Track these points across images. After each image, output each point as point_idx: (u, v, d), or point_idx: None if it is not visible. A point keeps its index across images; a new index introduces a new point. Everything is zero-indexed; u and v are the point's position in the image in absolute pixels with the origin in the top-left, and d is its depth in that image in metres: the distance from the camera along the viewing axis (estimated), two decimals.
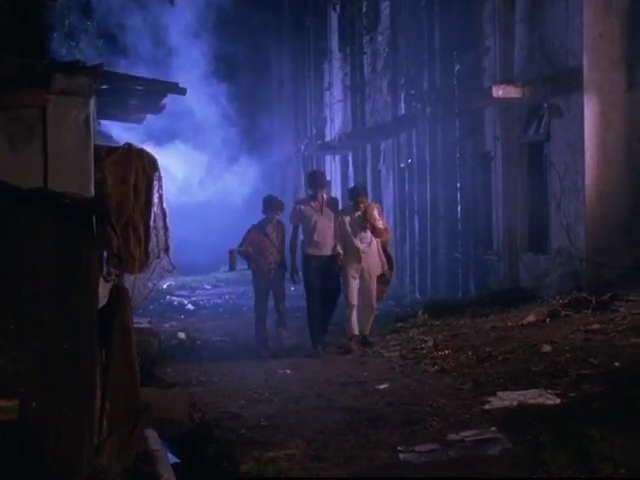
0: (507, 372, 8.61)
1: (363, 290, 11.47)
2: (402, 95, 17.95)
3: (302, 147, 25.52)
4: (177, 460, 6.32)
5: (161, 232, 6.58)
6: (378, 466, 5.96)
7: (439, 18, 16.04)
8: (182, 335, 13.12)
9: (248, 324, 12.34)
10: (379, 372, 9.77)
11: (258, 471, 6.20)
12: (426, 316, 12.90)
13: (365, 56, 20.23)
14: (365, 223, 11.40)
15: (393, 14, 18.32)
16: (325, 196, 11.84)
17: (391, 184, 19.14)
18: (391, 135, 18.64)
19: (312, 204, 11.60)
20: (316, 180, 11.87)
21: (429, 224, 16.68)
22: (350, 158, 21.86)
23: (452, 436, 6.50)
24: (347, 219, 11.49)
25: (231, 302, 18.52)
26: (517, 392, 7.61)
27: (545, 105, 13.13)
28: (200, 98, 21.81)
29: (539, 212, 13.59)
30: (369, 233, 11.44)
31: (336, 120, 23.00)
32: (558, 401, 7.24)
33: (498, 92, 13.14)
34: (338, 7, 20.63)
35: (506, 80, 13.65)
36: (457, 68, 15.23)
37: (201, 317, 16.20)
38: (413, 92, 17.11)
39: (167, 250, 6.66)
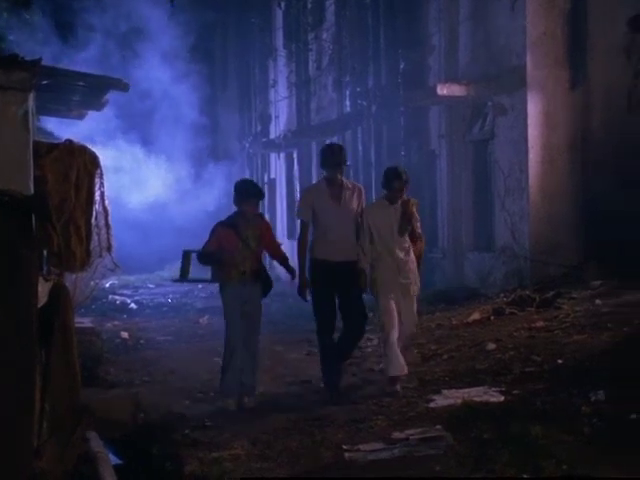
0: (452, 370, 8.64)
1: (403, 315, 8.34)
2: (347, 93, 17.95)
3: (247, 145, 25.41)
4: (119, 461, 6.23)
5: (103, 230, 6.47)
6: (323, 466, 5.93)
7: (384, 16, 16.06)
8: (125, 334, 12.97)
9: (193, 323, 12.24)
10: None
11: (202, 472, 6.14)
12: (371, 314, 12.88)
13: (310, 53, 20.20)
14: (405, 223, 8.24)
15: (338, 11, 18.31)
16: (345, 181, 8.58)
17: None
18: (337, 133, 18.62)
19: (327, 191, 8.40)
20: (332, 156, 8.40)
21: None
22: (295, 156, 21.80)
23: (397, 434, 6.49)
24: (378, 216, 8.29)
25: (175, 301, 18.35)
26: (462, 390, 7.63)
27: (489, 103, 13.22)
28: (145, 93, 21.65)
29: (484, 210, 13.68)
30: (407, 238, 8.34)
31: (281, 117, 22.92)
32: (502, 399, 7.27)
33: (443, 90, 13.20)
34: (283, 4, 20.56)
35: (451, 79, 13.73)
36: (402, 66, 15.28)
37: (145, 316, 16.02)
38: (358, 90, 17.12)
39: (109, 249, 6.55)
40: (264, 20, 23.52)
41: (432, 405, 7.39)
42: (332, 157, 8.39)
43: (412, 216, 8.21)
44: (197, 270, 9.01)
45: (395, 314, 8.21)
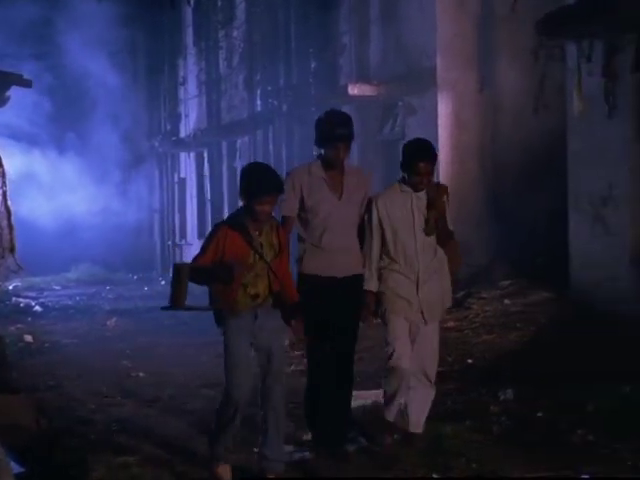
0: (363, 371, 8.59)
1: (418, 344, 6.07)
2: (258, 91, 17.87)
3: (156, 144, 25.09)
4: (22, 469, 6.02)
5: (5, 231, 6.24)
6: (235, 468, 5.83)
7: (295, 14, 16.02)
8: (29, 338, 12.61)
9: (100, 325, 11.99)
10: None
11: (110, 477, 6.00)
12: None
13: (221, 51, 20.06)
14: (434, 219, 5.99)
15: (248, 9, 18.21)
16: (348, 165, 6.19)
17: None
18: (247, 132, 18.53)
19: (325, 178, 6.02)
20: (336, 127, 5.96)
21: None
22: (206, 155, 21.62)
23: (308, 436, 6.43)
24: (395, 208, 6.01)
25: (82, 303, 17.97)
26: (372, 391, 7.60)
27: (400, 104, 13.28)
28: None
29: None
30: (433, 240, 6.04)
31: (191, 116, 22.70)
32: None
33: (353, 90, 13.23)
34: (192, 1, 20.35)
35: (362, 78, 13.75)
36: (313, 65, 15.26)
37: (50, 319, 15.62)
38: (270, 89, 17.05)
39: (12, 250, 6.32)
40: (173, 17, 23.25)
41: None
42: (335, 128, 5.92)
43: (443, 209, 6.00)
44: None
45: (409, 342, 6.02)
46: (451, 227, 6.11)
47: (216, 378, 9.21)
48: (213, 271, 5.46)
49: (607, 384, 7.08)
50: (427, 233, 5.96)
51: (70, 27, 22.27)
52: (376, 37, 13.89)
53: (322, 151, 6.07)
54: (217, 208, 20.81)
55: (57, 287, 21.32)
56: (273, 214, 5.65)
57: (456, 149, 12.29)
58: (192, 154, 22.94)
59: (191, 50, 22.34)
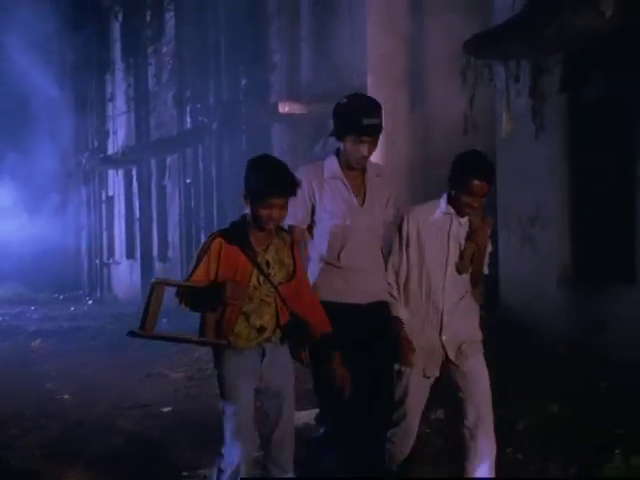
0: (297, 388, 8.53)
1: (465, 390, 4.90)
2: (188, 108, 17.74)
3: (83, 160, 24.73)
4: None
5: None
6: None
7: (225, 31, 15.97)
8: None
9: (24, 347, 11.71)
10: (164, 394, 9.47)
11: None
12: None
13: (150, 67, 19.88)
14: (472, 255, 4.83)
15: (178, 25, 18.09)
16: (370, 163, 4.87)
17: (177, 200, 18.84)
18: (177, 150, 18.37)
19: (341, 177, 4.77)
20: (362, 113, 4.74)
21: None
22: (134, 173, 21.38)
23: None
24: (430, 230, 4.84)
25: (5, 324, 17.57)
26: (301, 412, 7.52)
27: (331, 122, 13.25)
28: None
29: None
30: (466, 279, 4.87)
31: (119, 133, 22.44)
32: None
33: (284, 108, 13.19)
34: (120, 15, 20.15)
35: (292, 96, 13.72)
36: (244, 83, 15.21)
37: None
38: (199, 106, 16.93)
39: None
40: (101, 31, 22.96)
41: None
42: (362, 116, 4.69)
43: (485, 244, 4.85)
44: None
45: (421, 402, 4.94)
46: (486, 270, 4.93)
47: (144, 400, 9.09)
48: (202, 292, 4.26)
49: (536, 402, 7.12)
50: (459, 269, 4.79)
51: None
52: (307, 55, 13.90)
53: (341, 145, 4.76)
54: (146, 226, 20.58)
55: None
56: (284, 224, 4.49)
57: (387, 168, 12.32)
58: (120, 171, 22.66)
59: (119, 65, 22.10)
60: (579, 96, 9.15)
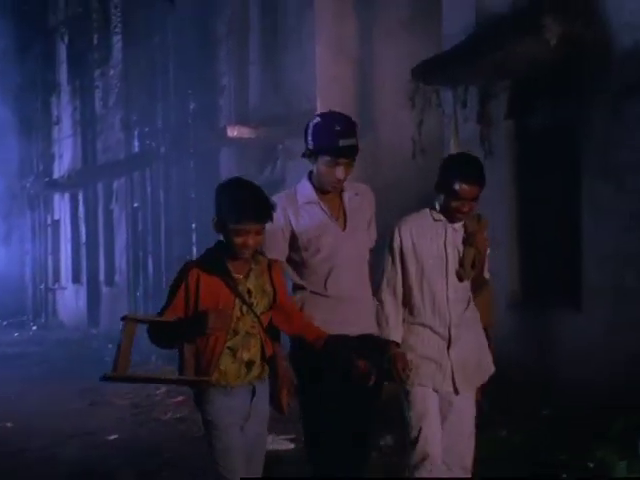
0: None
1: (450, 423, 4.54)
2: (136, 132, 17.59)
3: (27, 184, 24.38)
4: None
5: None
6: None
7: (173, 54, 15.90)
8: None
9: None
10: (109, 422, 9.29)
11: None
12: (159, 362, 12.52)
13: (97, 90, 19.68)
14: (472, 260, 4.60)
15: (125, 47, 17.96)
16: (347, 186, 4.55)
17: (124, 224, 18.65)
18: (124, 174, 18.21)
19: (321, 203, 4.47)
20: (339, 133, 4.35)
21: (164, 265, 16.33)
22: (81, 197, 21.14)
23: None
24: (423, 239, 4.61)
25: None
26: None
27: (280, 147, 13.24)
28: None
29: None
30: (468, 285, 4.65)
31: (65, 156, 22.18)
32: (292, 446, 7.16)
33: (233, 132, 13.15)
34: (66, 37, 19.95)
35: (241, 120, 13.68)
36: (192, 106, 15.12)
37: None
38: (147, 129, 16.80)
39: None
40: (47, 53, 22.69)
41: None
42: (338, 137, 4.32)
43: (484, 247, 4.65)
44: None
45: (439, 421, 4.51)
46: (487, 273, 4.75)
47: (88, 428, 8.90)
48: (181, 325, 3.88)
49: (484, 429, 7.09)
50: (461, 277, 4.54)
51: None
52: (255, 79, 13.87)
53: (314, 168, 4.43)
54: (92, 251, 20.34)
55: None
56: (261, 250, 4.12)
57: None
58: (66, 195, 22.39)
59: (65, 88, 21.86)
60: (526, 123, 9.21)
